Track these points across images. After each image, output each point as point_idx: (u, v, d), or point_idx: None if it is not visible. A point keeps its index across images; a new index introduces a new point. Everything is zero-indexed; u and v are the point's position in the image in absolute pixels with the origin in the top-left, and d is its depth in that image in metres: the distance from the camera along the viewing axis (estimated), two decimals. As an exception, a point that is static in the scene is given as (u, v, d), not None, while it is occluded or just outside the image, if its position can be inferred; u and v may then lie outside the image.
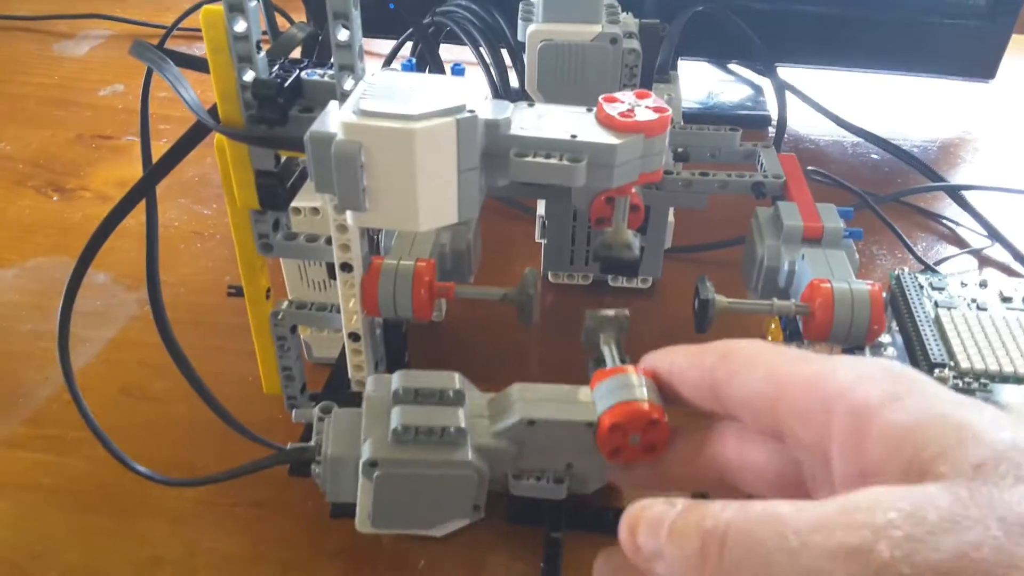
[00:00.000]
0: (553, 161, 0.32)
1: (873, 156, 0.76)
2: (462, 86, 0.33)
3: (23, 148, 0.75)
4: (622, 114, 0.33)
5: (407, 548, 0.41)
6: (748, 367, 0.26)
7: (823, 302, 0.38)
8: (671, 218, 0.56)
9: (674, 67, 0.63)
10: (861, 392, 0.20)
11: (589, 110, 0.35)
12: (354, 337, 0.40)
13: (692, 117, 0.72)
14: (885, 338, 0.41)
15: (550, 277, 0.59)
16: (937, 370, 0.34)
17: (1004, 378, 0.34)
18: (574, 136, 0.33)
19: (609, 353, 0.38)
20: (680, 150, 0.52)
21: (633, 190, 0.44)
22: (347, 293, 0.39)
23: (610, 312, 0.39)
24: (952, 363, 0.35)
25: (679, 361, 0.30)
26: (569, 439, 0.34)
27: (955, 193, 0.67)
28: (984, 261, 0.63)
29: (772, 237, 0.44)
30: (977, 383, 0.35)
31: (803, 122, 0.81)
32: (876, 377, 0.21)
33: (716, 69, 0.87)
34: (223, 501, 0.43)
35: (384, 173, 0.31)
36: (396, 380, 0.34)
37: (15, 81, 0.86)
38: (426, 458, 0.32)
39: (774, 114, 0.79)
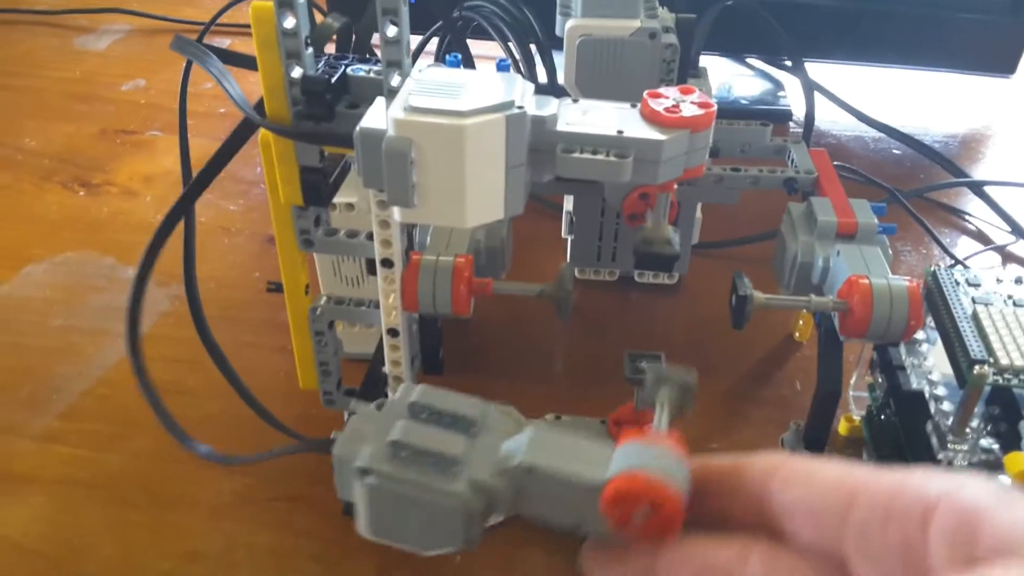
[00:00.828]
0: (600, 157, 0.32)
1: (895, 151, 0.76)
2: (510, 82, 0.33)
3: (47, 143, 0.75)
4: (668, 109, 0.33)
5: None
6: (807, 476, 0.24)
7: (861, 298, 0.38)
8: (698, 214, 0.56)
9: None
10: (969, 492, 0.20)
11: (634, 106, 0.35)
12: (393, 333, 0.40)
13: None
14: (920, 335, 0.41)
15: (576, 273, 0.59)
16: (977, 367, 0.34)
17: (1046, 375, 0.35)
18: (620, 132, 0.33)
19: (659, 415, 0.35)
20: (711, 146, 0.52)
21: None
22: (387, 289, 0.39)
23: (679, 370, 0.36)
24: (992, 359, 0.35)
25: (717, 467, 0.27)
26: (571, 497, 0.32)
27: (978, 188, 0.67)
28: (1008, 257, 0.63)
29: (806, 233, 0.44)
30: (1017, 379, 0.35)
31: (824, 117, 0.80)
32: (977, 480, 0.20)
33: (733, 63, 0.87)
34: (260, 496, 0.43)
35: (434, 169, 0.31)
36: (416, 393, 0.33)
37: (37, 75, 0.86)
38: (417, 480, 0.31)
39: (795, 108, 0.80)
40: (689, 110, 0.33)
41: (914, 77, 0.86)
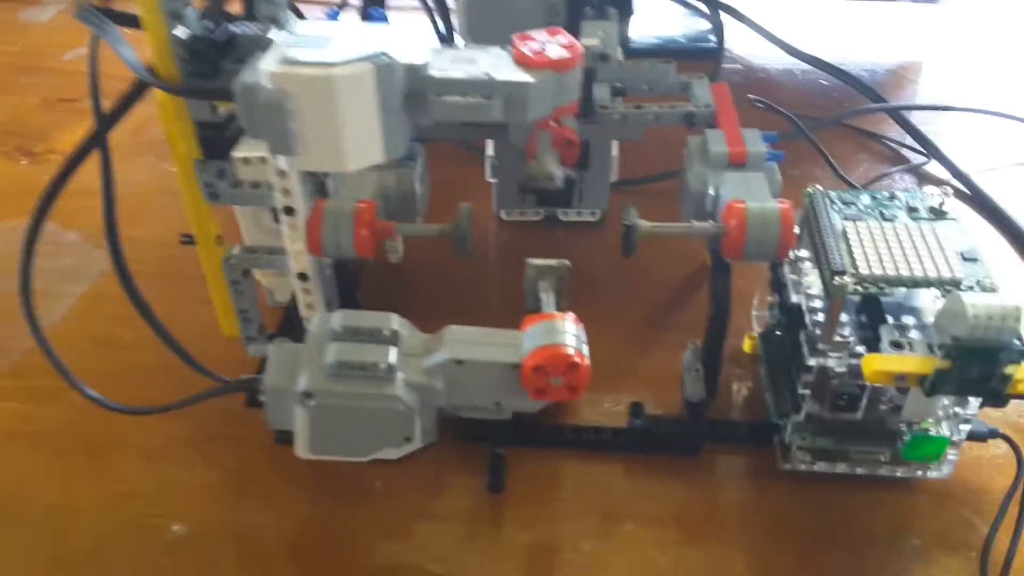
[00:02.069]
0: (470, 100, 0.34)
1: (823, 82, 0.78)
2: (386, 33, 0.35)
3: (-11, 115, 0.76)
4: (534, 52, 0.35)
5: (363, 471, 0.44)
6: None
7: (737, 221, 0.40)
8: (615, 152, 0.58)
9: (628, 4, 0.64)
10: None
11: (507, 50, 0.37)
12: (303, 277, 0.42)
13: (647, 53, 0.74)
14: (804, 253, 0.43)
15: (503, 215, 0.61)
16: (837, 277, 0.37)
17: (901, 282, 0.37)
18: (488, 75, 0.35)
19: (546, 300, 0.41)
20: (618, 85, 0.54)
21: (567, 125, 0.46)
22: (292, 235, 0.41)
23: (551, 262, 0.42)
24: (853, 270, 0.38)
25: None
26: (495, 379, 0.37)
27: (895, 113, 0.69)
28: (924, 178, 0.66)
29: (700, 164, 0.47)
30: (876, 287, 0.37)
31: (757, 52, 0.82)
32: None
33: (677, 4, 0.88)
34: (191, 438, 0.46)
35: (310, 118, 0.33)
36: (336, 319, 0.36)
37: (-21, 50, 0.87)
38: (357, 391, 0.34)
39: (729, 45, 0.81)
40: (555, 52, 0.35)
41: (845, 8, 0.87)
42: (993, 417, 0.46)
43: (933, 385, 0.35)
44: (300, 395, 0.34)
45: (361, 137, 0.34)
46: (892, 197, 0.42)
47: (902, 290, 0.38)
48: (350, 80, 0.33)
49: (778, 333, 0.46)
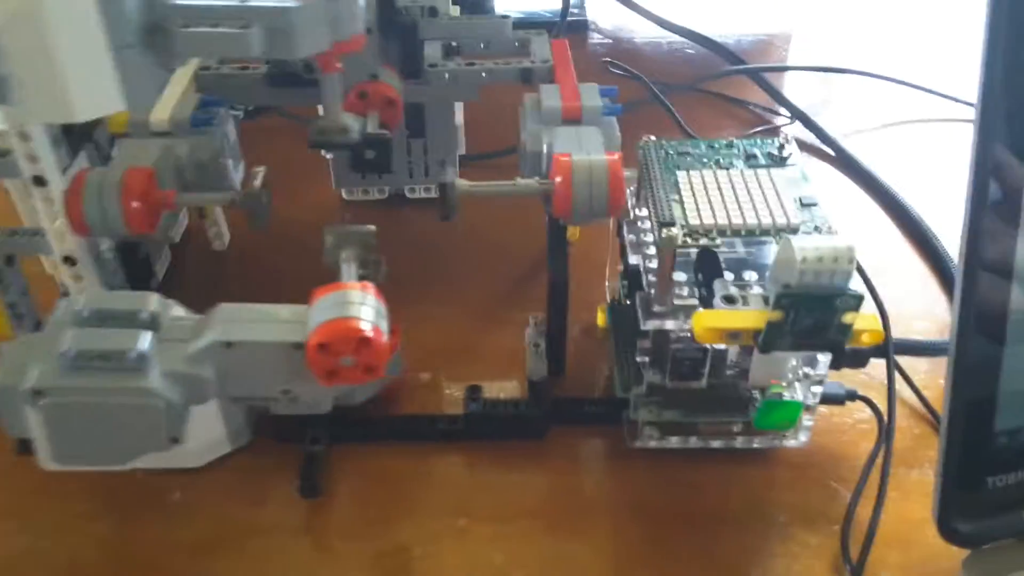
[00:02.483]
0: (223, 30, 0.29)
1: (688, 51, 0.75)
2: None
3: None
4: (301, -24, 0.30)
5: (159, 479, 0.38)
6: None
7: (563, 176, 0.36)
8: (459, 120, 0.54)
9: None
10: None
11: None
12: (69, 262, 0.36)
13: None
14: (643, 211, 0.40)
15: (344, 195, 0.56)
16: (665, 229, 0.33)
17: (735, 231, 0.34)
18: (244, 1, 0.30)
19: (346, 271, 0.35)
20: (454, 44, 0.49)
21: (388, 82, 0.41)
22: (48, 211, 0.35)
23: (352, 227, 0.37)
24: (684, 222, 0.34)
25: None
26: (276, 362, 0.31)
27: (757, 76, 0.66)
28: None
29: (534, 121, 0.42)
30: (707, 237, 0.34)
31: (624, 23, 0.79)
32: None
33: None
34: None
35: (22, 57, 0.28)
36: (82, 302, 0.31)
37: None
38: (100, 386, 0.29)
39: (598, 19, 0.78)
40: (325, -25, 0.31)
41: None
42: (857, 380, 0.43)
43: (767, 340, 0.31)
44: (29, 393, 0.28)
45: (89, 80, 0.29)
46: (730, 145, 0.39)
47: (741, 246, 0.35)
48: (61, 6, 0.27)
49: (627, 302, 0.42)
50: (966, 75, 0.67)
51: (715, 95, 0.67)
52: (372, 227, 0.36)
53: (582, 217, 0.37)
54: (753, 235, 0.34)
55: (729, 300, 0.33)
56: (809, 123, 0.62)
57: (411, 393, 0.44)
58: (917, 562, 0.36)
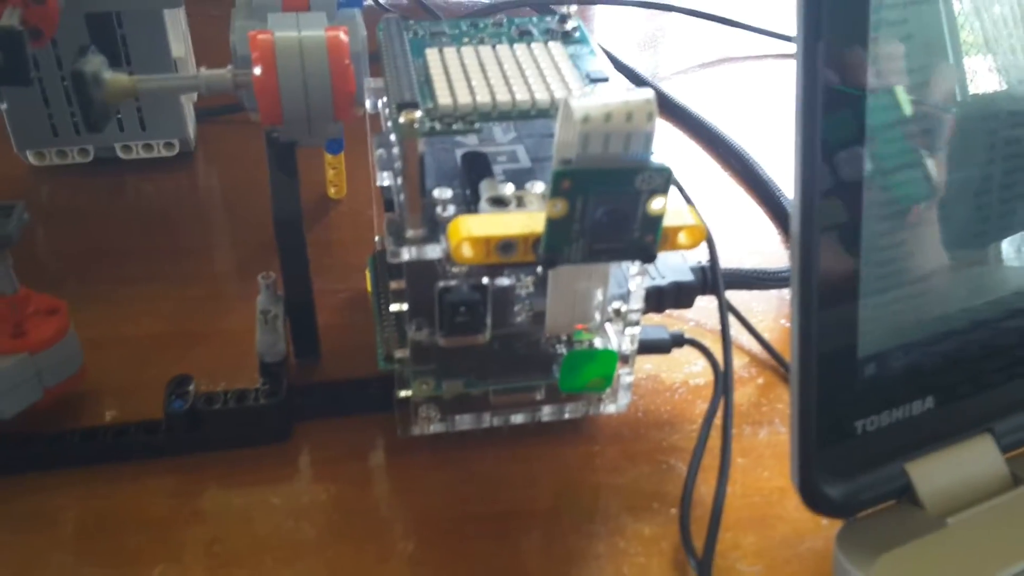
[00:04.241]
0: None
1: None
2: None
3: None
4: None
5: None
6: None
7: (264, 59, 0.26)
8: (178, 50, 0.42)
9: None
10: None
11: None
12: None
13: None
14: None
15: (31, 159, 0.43)
16: (404, 113, 0.23)
17: (501, 112, 0.24)
18: None
19: None
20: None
21: None
22: None
23: None
24: (431, 104, 0.24)
25: None
26: None
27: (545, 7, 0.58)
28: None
29: (244, 18, 0.32)
30: (462, 122, 0.24)
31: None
32: None
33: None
34: None
35: None
36: None
37: None
38: None
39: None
40: None
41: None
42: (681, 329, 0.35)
43: (550, 246, 0.22)
44: None
45: None
46: (498, 24, 0.30)
47: (524, 152, 0.25)
48: None
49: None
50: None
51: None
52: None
53: (299, 124, 0.27)
54: (527, 116, 0.24)
55: (498, 202, 0.23)
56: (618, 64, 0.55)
57: (99, 399, 0.31)
58: (779, 543, 0.28)
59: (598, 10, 0.64)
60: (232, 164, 0.45)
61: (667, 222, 0.22)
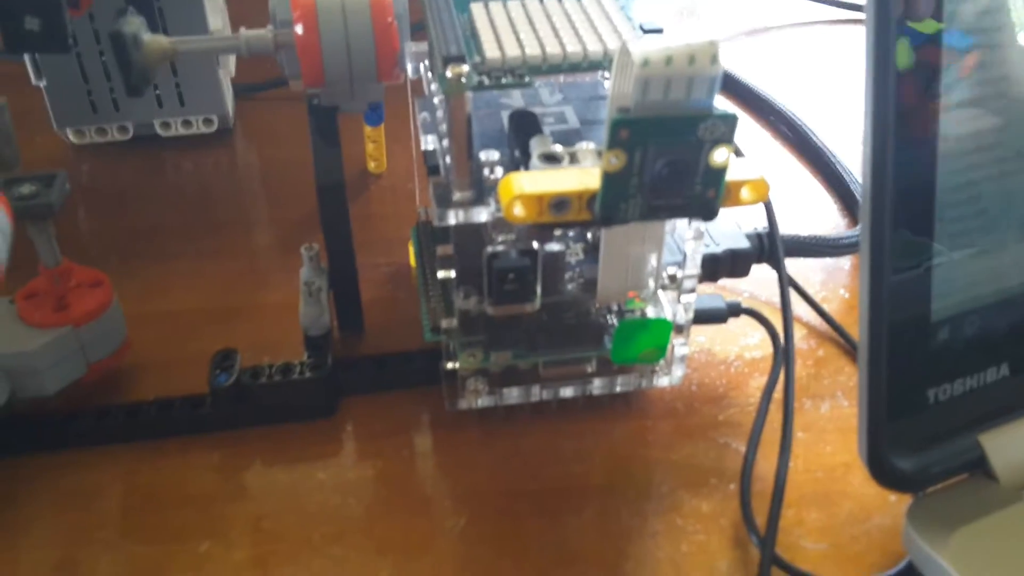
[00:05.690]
0: None
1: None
2: None
3: None
4: None
5: None
6: None
7: (306, 18, 0.25)
8: (216, 22, 0.41)
9: None
10: None
11: None
12: None
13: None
14: (436, 86, 0.29)
15: (72, 137, 0.43)
16: (451, 65, 0.22)
17: (552, 65, 0.23)
18: None
19: None
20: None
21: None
22: None
23: None
24: (478, 58, 0.23)
25: None
26: None
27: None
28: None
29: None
30: (512, 77, 0.23)
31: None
32: None
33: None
34: None
35: None
36: None
37: None
38: None
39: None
40: None
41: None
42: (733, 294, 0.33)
43: (606, 203, 0.20)
44: None
45: None
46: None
47: (573, 113, 0.24)
48: None
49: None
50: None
51: None
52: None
53: (341, 85, 0.26)
54: (579, 68, 0.23)
55: (550, 159, 0.22)
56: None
57: (142, 375, 0.31)
58: (845, 520, 0.26)
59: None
60: (271, 141, 0.45)
61: (729, 176, 0.21)
